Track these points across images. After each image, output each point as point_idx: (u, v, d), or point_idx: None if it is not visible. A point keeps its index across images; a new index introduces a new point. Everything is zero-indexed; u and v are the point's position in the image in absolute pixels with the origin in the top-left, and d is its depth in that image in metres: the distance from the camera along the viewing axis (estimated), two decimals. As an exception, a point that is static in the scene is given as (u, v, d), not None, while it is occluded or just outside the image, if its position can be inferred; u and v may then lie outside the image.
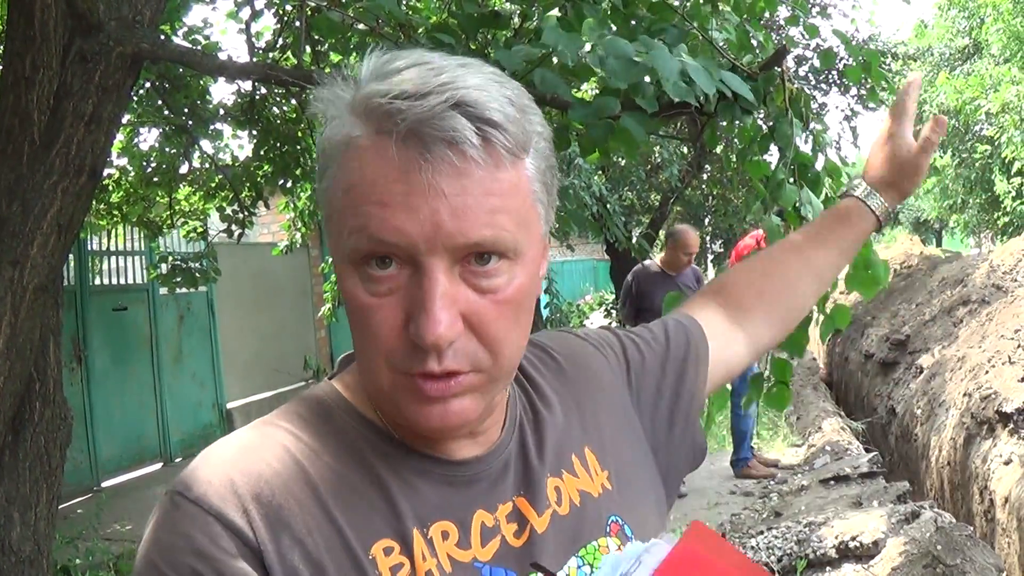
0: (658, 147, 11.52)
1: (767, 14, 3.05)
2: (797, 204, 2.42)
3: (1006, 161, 17.47)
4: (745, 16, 2.79)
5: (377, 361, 0.79)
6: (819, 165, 2.56)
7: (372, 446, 0.85)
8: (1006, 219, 19.07)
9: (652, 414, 1.08)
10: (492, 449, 0.90)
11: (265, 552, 0.75)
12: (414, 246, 0.74)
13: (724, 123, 2.63)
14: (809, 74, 13.83)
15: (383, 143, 0.74)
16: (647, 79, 2.41)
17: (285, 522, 0.77)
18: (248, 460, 0.80)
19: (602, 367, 1.08)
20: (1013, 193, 18.43)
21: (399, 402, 0.80)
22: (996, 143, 17.59)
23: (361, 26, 2.89)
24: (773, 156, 2.70)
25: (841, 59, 10.39)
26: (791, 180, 2.47)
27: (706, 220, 20.21)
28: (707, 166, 13.69)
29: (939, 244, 32.80)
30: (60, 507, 3.42)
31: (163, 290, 8.04)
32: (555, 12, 2.68)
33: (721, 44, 2.63)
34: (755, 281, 1.29)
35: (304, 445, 0.83)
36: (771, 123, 2.57)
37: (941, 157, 21.34)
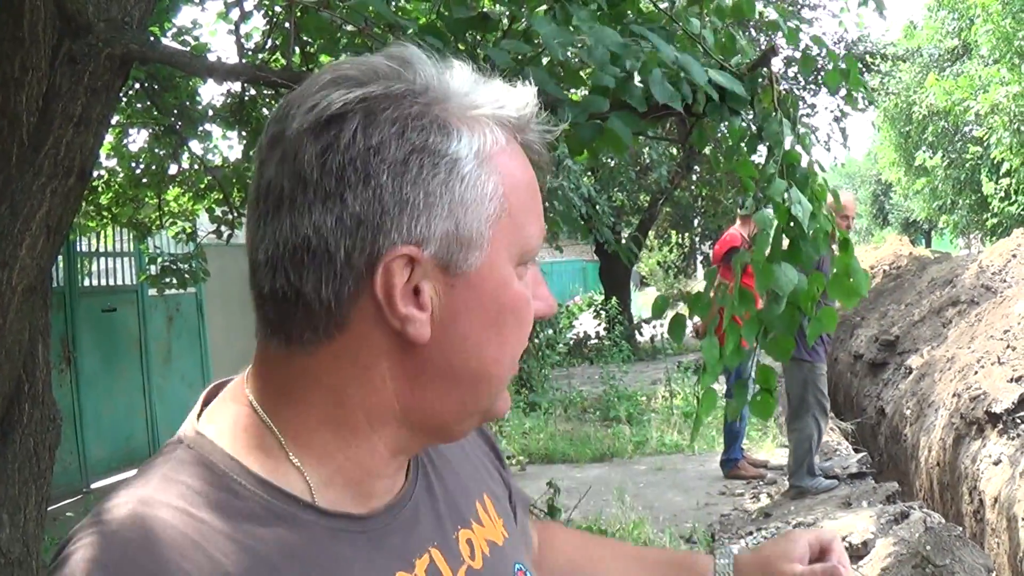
0: (647, 148, 11.55)
1: (758, 15, 3.07)
2: (787, 202, 2.43)
3: (995, 162, 17.56)
4: (729, 20, 2.80)
5: (517, 353, 0.82)
6: (804, 163, 2.58)
7: (280, 516, 0.74)
8: (994, 220, 19.17)
9: None
10: (400, 496, 0.83)
11: None
12: None
13: (718, 123, 2.64)
14: (798, 75, 13.88)
15: (518, 149, 0.80)
16: (636, 78, 2.42)
17: None
18: (150, 557, 0.68)
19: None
20: (1001, 194, 18.54)
21: (500, 394, 0.82)
22: (986, 144, 17.67)
23: (350, 27, 2.90)
24: (759, 158, 2.72)
25: (821, 64, 10.44)
26: (781, 176, 2.48)
27: (695, 221, 20.27)
28: (696, 167, 13.74)
29: (928, 245, 32.91)
30: (49, 509, 3.41)
31: (152, 291, 8.02)
32: (543, 8, 2.68)
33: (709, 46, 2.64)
34: (568, 551, 1.22)
35: (206, 529, 0.71)
36: (759, 124, 2.58)
37: (931, 158, 21.47)
